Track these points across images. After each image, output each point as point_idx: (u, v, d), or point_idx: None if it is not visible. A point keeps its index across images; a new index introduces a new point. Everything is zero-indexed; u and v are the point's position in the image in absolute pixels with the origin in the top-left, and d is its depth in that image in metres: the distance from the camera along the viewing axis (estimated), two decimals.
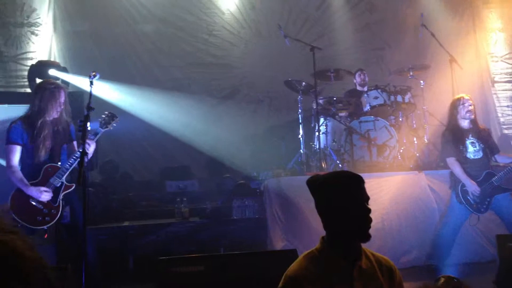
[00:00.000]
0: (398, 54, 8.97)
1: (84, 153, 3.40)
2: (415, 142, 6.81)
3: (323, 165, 6.25)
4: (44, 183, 4.12)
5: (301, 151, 6.66)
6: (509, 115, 8.57)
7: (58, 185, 4.15)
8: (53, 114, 4.23)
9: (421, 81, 7.04)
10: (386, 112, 6.72)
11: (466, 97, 5.15)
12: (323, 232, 2.22)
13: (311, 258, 2.18)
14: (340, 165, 6.23)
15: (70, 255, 4.42)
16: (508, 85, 9.07)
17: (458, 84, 6.54)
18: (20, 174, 4.08)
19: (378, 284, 2.17)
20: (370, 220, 2.14)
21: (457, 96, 5.30)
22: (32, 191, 4.04)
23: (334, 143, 6.60)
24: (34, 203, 4.07)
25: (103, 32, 8.41)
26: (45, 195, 4.08)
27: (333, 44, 9.19)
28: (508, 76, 9.13)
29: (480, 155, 5.03)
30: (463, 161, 5.01)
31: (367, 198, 2.17)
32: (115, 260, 5.28)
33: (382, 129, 6.24)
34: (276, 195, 5.58)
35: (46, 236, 4.12)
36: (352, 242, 2.17)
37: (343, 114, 7.05)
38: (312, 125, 6.94)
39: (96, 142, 4.23)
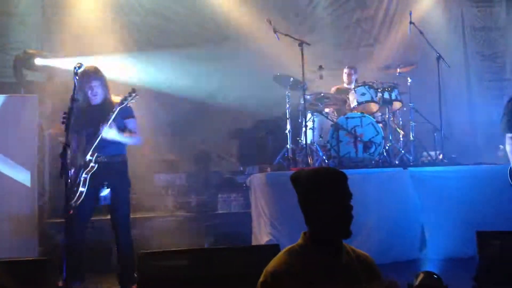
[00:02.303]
0: (386, 51, 9.00)
1: (67, 145, 3.36)
2: (401, 139, 6.87)
3: (310, 161, 6.27)
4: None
5: (288, 146, 6.68)
6: (495, 114, 8.62)
7: (82, 162, 4.26)
8: (85, 99, 4.34)
9: (409, 79, 7.08)
10: (373, 109, 6.75)
11: None
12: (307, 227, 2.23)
13: (292, 254, 2.19)
14: (326, 161, 6.26)
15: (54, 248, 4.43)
16: (494, 84, 9.15)
17: (445, 82, 6.60)
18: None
19: (358, 279, 2.19)
20: (351, 217, 2.15)
21: None
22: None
23: (320, 139, 6.62)
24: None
25: (91, 22, 8.32)
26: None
27: (322, 40, 9.19)
28: (495, 75, 9.22)
29: None
30: None
31: (350, 194, 2.18)
32: (99, 253, 5.27)
33: (369, 126, 6.27)
34: (261, 190, 5.59)
35: (70, 212, 4.02)
36: (333, 238, 2.19)
37: (330, 110, 7.08)
38: (300, 120, 6.95)
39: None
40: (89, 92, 4.39)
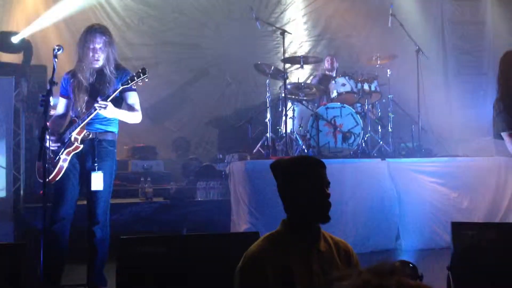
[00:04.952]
0: (367, 42, 9.05)
1: (45, 128, 3.30)
2: (380, 130, 6.94)
3: (289, 150, 6.30)
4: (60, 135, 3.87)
5: (268, 135, 6.69)
6: (471, 107, 8.76)
7: (66, 140, 3.83)
8: (89, 62, 3.86)
9: (388, 70, 7.15)
10: (353, 99, 6.80)
11: None
12: (285, 216, 2.26)
13: (271, 240, 2.22)
14: (305, 150, 6.29)
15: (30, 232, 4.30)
16: (471, 78, 9.28)
17: (423, 75, 6.67)
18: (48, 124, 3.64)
19: (336, 266, 2.22)
20: (329, 204, 2.19)
21: None
22: (46, 136, 3.55)
23: (300, 128, 6.64)
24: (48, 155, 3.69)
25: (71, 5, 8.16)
26: (51, 145, 3.73)
27: (304, 30, 9.20)
28: (473, 69, 9.34)
29: None
30: None
31: (327, 182, 2.22)
32: (76, 238, 5.21)
33: (348, 116, 6.32)
34: (240, 178, 5.60)
35: (41, 192, 3.76)
36: (311, 225, 2.22)
37: (310, 99, 7.10)
38: (280, 109, 6.96)
39: None
40: (90, 53, 3.84)
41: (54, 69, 3.71)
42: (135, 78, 3.71)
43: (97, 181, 3.76)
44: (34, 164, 4.25)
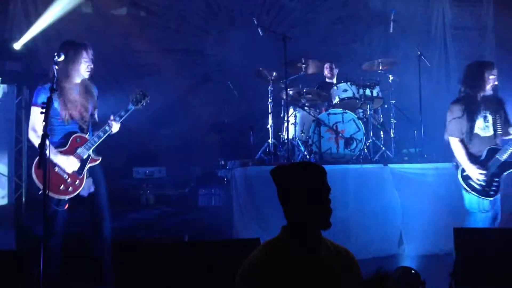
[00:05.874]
0: (369, 48, 9.05)
1: (45, 135, 3.30)
2: (382, 136, 6.92)
3: (291, 156, 6.28)
4: (71, 152, 4.03)
5: (270, 141, 6.68)
6: None
7: (84, 157, 4.08)
8: (79, 76, 4.13)
9: (390, 76, 7.14)
10: (355, 105, 6.79)
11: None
12: (286, 222, 2.24)
13: (272, 247, 2.20)
14: (307, 156, 6.28)
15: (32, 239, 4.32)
16: None
17: (425, 80, 6.66)
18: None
19: (336, 273, 2.20)
20: (329, 210, 2.18)
21: (485, 61, 4.76)
22: (60, 159, 3.95)
23: (302, 134, 6.63)
24: (59, 172, 3.97)
25: (74, 13, 8.19)
26: (72, 166, 4.00)
27: (305, 36, 9.20)
28: None
29: (490, 131, 4.53)
30: (469, 138, 4.55)
31: (328, 189, 2.20)
32: (77, 246, 5.20)
33: (350, 122, 6.31)
34: (242, 184, 5.59)
35: (66, 207, 3.99)
36: (312, 232, 2.20)
37: (312, 105, 7.09)
38: (282, 115, 6.96)
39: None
40: (83, 65, 4.12)
41: (54, 76, 3.71)
42: (141, 101, 4.21)
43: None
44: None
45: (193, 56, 8.91)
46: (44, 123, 3.38)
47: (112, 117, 4.12)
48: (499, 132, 4.56)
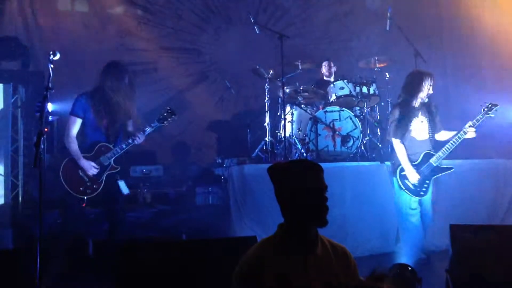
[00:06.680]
0: (365, 46, 9.06)
1: (41, 134, 3.29)
2: (379, 133, 6.92)
3: (288, 154, 6.28)
4: (94, 159, 4.49)
5: (267, 139, 6.68)
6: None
7: (106, 163, 4.53)
8: (115, 92, 4.51)
9: (387, 74, 7.14)
10: (352, 103, 6.79)
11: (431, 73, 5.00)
12: (283, 220, 2.25)
13: (268, 244, 2.21)
14: (304, 154, 6.28)
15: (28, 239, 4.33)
16: (470, 80, 9.25)
17: None
18: (76, 146, 4.44)
19: (333, 271, 2.21)
20: (326, 208, 2.19)
21: (423, 70, 5.12)
22: (84, 163, 4.43)
23: (299, 132, 6.63)
24: (81, 174, 4.45)
25: (71, 12, 8.19)
26: (93, 170, 4.45)
27: (302, 34, 9.21)
28: (471, 69, 9.31)
29: (426, 135, 4.96)
30: (406, 141, 4.91)
31: (325, 186, 2.21)
32: (74, 245, 5.19)
33: (347, 120, 6.31)
34: (239, 183, 5.58)
35: (84, 205, 4.46)
36: (308, 229, 2.21)
37: (308, 103, 7.10)
38: (278, 113, 6.96)
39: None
40: (126, 81, 4.59)
41: (49, 75, 3.70)
42: (168, 118, 4.74)
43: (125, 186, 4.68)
44: (33, 171, 4.28)
45: (190, 54, 8.91)
46: (40, 121, 3.38)
47: (137, 133, 4.60)
48: (433, 136, 5.03)
